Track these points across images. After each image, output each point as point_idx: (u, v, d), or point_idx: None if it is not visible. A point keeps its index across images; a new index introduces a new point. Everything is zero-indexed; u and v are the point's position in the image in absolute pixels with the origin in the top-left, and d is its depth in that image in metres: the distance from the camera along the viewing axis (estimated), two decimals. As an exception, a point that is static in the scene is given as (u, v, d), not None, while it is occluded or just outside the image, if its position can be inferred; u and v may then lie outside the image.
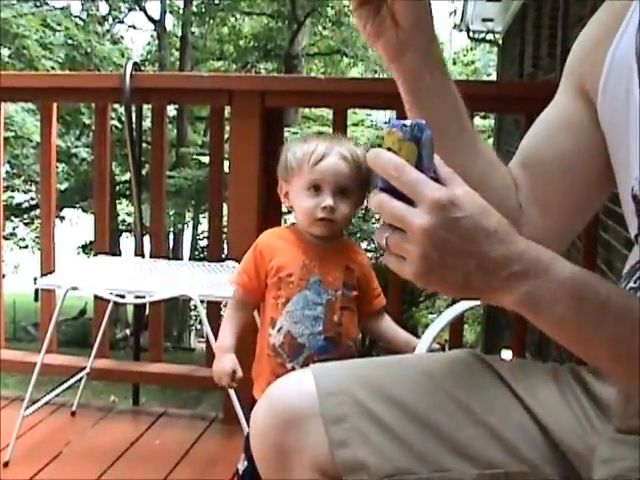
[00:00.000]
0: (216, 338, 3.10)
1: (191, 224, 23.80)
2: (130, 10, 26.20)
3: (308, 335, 2.44)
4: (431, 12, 1.39)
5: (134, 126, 3.94)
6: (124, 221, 22.48)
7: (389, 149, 1.11)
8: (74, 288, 3.08)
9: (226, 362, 2.47)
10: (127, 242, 20.46)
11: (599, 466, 1.34)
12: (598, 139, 1.41)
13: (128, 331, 16.86)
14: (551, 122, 1.48)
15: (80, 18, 22.82)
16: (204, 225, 21.85)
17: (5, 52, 18.50)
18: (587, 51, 1.44)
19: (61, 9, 21.48)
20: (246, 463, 2.42)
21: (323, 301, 2.46)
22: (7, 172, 18.08)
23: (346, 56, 27.53)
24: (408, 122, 1.11)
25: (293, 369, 2.36)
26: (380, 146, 1.13)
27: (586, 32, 1.47)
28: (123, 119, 3.92)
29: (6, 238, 18.63)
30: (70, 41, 19.64)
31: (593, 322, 1.11)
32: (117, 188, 19.46)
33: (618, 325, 1.11)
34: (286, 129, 12.02)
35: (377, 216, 1.13)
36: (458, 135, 1.42)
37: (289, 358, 2.44)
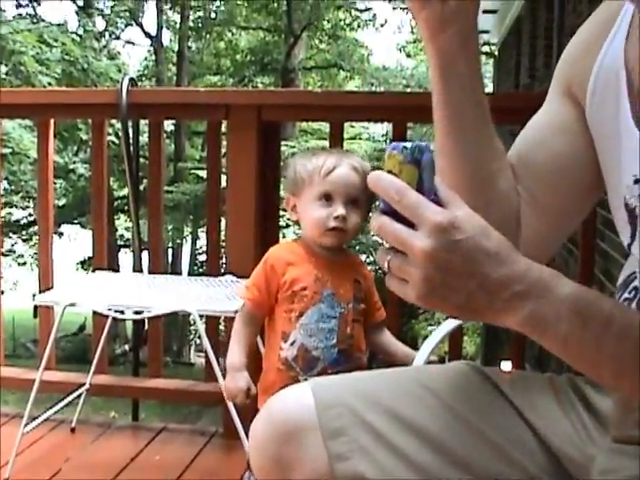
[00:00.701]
0: (215, 353, 3.11)
1: (190, 239, 23.81)
2: (127, 26, 26.29)
3: (323, 348, 2.46)
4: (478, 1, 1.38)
5: (131, 141, 3.95)
6: (122, 236, 22.48)
7: (390, 172, 1.11)
8: (72, 304, 3.08)
9: (240, 380, 2.47)
10: (126, 258, 20.45)
11: (597, 476, 1.34)
12: (589, 142, 1.41)
13: (127, 346, 16.83)
14: (542, 126, 1.48)
15: (77, 34, 22.85)
16: (203, 240, 21.85)
17: (2, 69, 18.52)
18: (576, 56, 1.45)
19: (58, 25, 21.54)
20: (253, 479, 2.41)
21: (336, 314, 2.48)
22: (5, 189, 18.08)
23: (343, 69, 27.63)
24: (408, 144, 1.11)
25: None
26: (379, 167, 1.13)
27: (576, 38, 1.47)
28: (120, 134, 3.93)
29: (5, 255, 18.60)
30: (67, 57, 19.65)
31: (597, 339, 1.11)
32: (115, 203, 19.45)
33: (621, 341, 1.10)
34: (283, 143, 12.01)
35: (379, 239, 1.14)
36: (481, 130, 1.41)
37: (302, 371, 2.44)
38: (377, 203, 1.15)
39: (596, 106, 1.38)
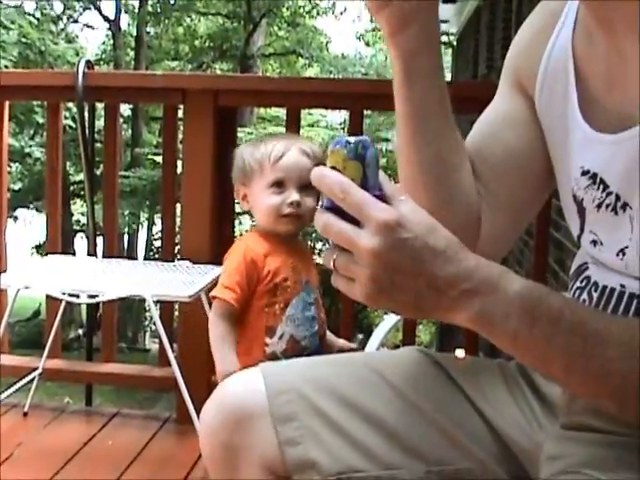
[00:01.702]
0: (170, 338, 3.10)
1: (146, 224, 23.66)
2: (85, 9, 26.01)
3: (309, 336, 2.45)
4: None
5: (87, 125, 3.92)
6: (79, 222, 22.28)
7: (333, 168, 1.09)
8: (25, 287, 3.05)
9: None
10: (82, 243, 20.29)
11: (545, 463, 1.35)
12: (541, 134, 1.42)
13: (81, 331, 16.73)
14: (494, 120, 1.48)
15: (34, 16, 22.62)
16: (159, 225, 21.71)
17: (-42, 50, 18.31)
18: (524, 49, 1.45)
19: (15, 7, 21.26)
20: None
21: (313, 300, 2.48)
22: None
23: (301, 57, 27.57)
24: (352, 139, 1.09)
25: None
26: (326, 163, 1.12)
27: (524, 30, 1.47)
28: (77, 118, 3.90)
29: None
30: (24, 40, 19.45)
31: (546, 336, 1.11)
32: (72, 188, 19.29)
33: (570, 338, 1.10)
34: (240, 129, 11.97)
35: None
36: (442, 122, 1.40)
37: None
38: (321, 201, 1.12)
39: (545, 98, 1.39)
